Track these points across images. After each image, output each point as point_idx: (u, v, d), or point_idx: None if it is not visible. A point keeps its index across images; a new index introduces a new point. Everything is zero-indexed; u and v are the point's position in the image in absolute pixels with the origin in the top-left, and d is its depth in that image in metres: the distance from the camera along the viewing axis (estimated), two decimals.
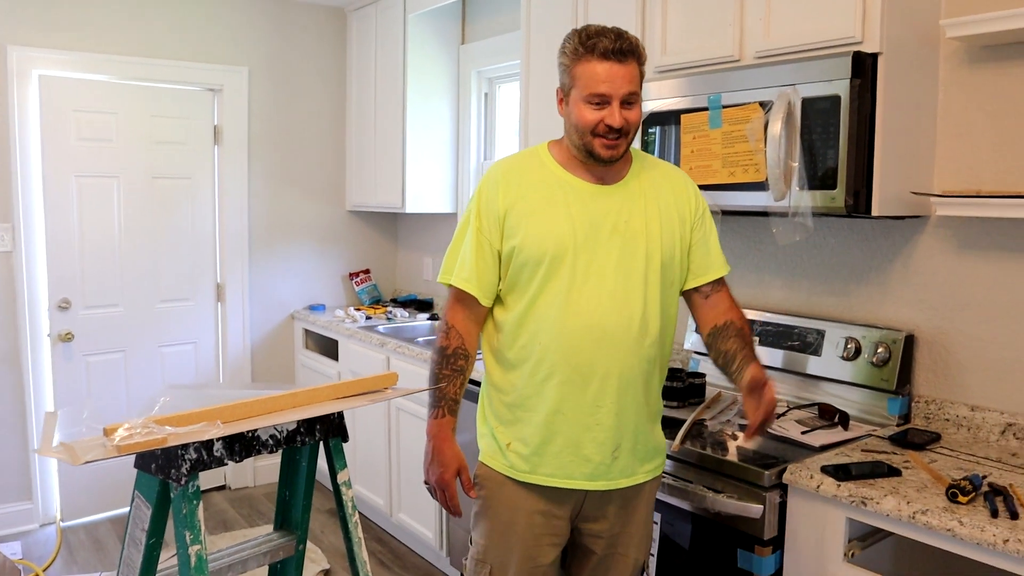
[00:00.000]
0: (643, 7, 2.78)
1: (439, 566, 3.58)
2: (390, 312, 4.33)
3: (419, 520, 3.55)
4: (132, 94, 4.09)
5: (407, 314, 4.35)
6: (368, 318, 4.24)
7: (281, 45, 4.48)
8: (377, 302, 4.75)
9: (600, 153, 1.78)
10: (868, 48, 2.13)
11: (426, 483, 1.93)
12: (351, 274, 4.79)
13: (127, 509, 1.71)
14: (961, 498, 1.77)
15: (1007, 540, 1.62)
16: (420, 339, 3.78)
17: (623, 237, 1.82)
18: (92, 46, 3.94)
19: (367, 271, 4.82)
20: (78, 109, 3.94)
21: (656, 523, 2.23)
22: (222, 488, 4.54)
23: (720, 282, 1.98)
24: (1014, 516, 1.70)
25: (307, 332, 4.56)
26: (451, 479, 1.89)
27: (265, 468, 4.58)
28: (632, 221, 1.84)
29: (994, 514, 1.71)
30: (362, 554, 1.80)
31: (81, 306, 4.02)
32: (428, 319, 4.25)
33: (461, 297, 1.86)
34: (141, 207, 4.16)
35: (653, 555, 2.25)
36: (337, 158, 4.75)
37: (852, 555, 1.93)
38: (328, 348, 4.39)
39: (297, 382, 4.64)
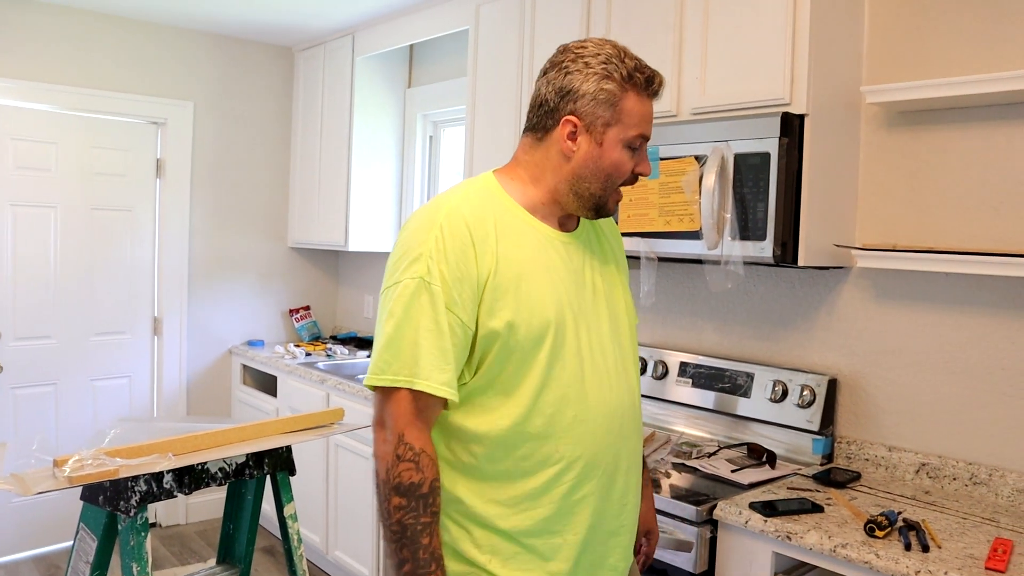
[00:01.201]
0: None
1: None
2: (330, 349, 4.34)
3: (355, 557, 3.55)
4: (73, 124, 4.07)
5: (347, 351, 4.37)
6: (308, 355, 4.25)
7: (228, 81, 4.52)
8: (317, 339, 4.75)
9: (611, 208, 1.49)
10: (796, 109, 2.28)
11: None
12: (291, 310, 4.79)
13: (47, 548, 1.72)
14: (878, 533, 1.89)
15: (919, 571, 1.73)
16: (360, 376, 3.80)
17: (604, 297, 1.53)
18: (33, 75, 3.92)
19: (307, 308, 4.83)
20: (16, 137, 3.90)
21: None
22: (153, 526, 4.45)
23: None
24: (925, 549, 1.82)
25: (245, 367, 4.54)
26: None
27: (197, 505, 4.51)
28: (604, 276, 1.55)
29: (907, 547, 1.83)
30: None
31: (11, 337, 3.94)
32: (367, 357, 4.28)
33: (424, 406, 1.33)
34: (79, 238, 4.11)
35: None
36: (280, 195, 4.77)
37: None
38: (266, 384, 4.37)
39: (233, 417, 4.60)
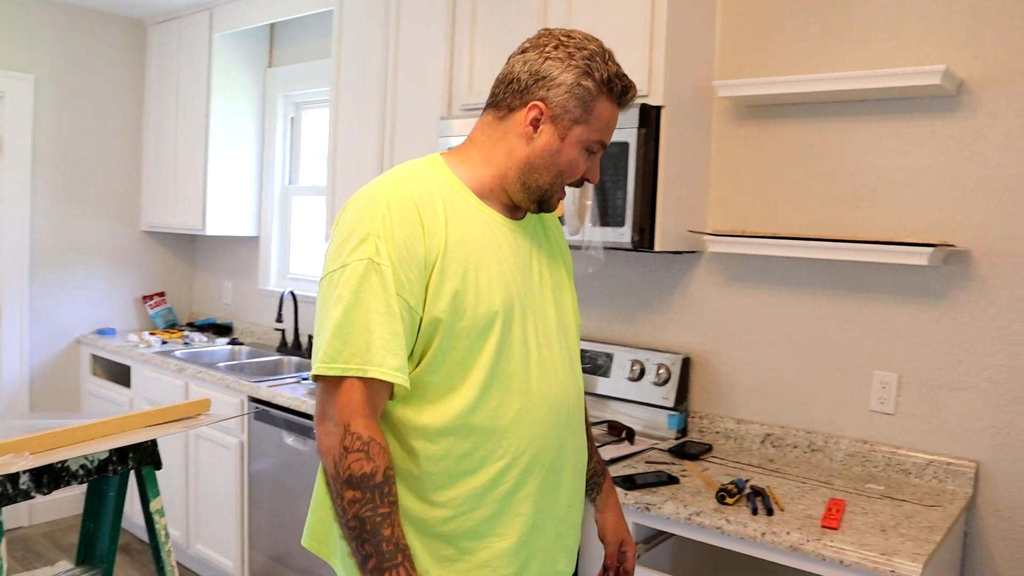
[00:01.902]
0: (451, 46, 2.94)
1: None
2: (187, 337, 4.20)
3: (219, 550, 3.47)
4: None
5: (206, 339, 4.24)
6: (164, 343, 4.09)
7: (73, 54, 4.26)
8: (173, 326, 4.58)
9: (553, 204, 1.44)
10: (653, 101, 2.39)
11: None
12: (144, 297, 4.60)
13: None
14: (728, 500, 2.03)
15: (764, 533, 1.88)
16: (221, 364, 3.70)
17: (551, 289, 1.48)
18: None
19: (162, 294, 4.64)
20: None
21: None
22: None
23: None
24: (770, 512, 1.97)
25: (95, 358, 4.33)
26: None
27: (41, 506, 4.27)
28: (551, 269, 1.49)
29: (754, 512, 1.97)
30: None
31: None
32: (228, 343, 4.17)
33: (372, 394, 1.25)
34: None
35: None
36: (132, 176, 4.56)
37: (639, 556, 2.14)
38: (119, 374, 4.18)
39: (83, 410, 4.38)
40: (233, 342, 4.20)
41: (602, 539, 1.71)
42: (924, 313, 2.31)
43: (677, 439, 2.64)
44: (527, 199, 1.40)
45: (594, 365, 2.81)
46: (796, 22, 2.50)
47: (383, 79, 3.20)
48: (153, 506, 1.76)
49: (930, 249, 2.11)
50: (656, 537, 2.21)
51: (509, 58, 1.40)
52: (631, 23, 2.41)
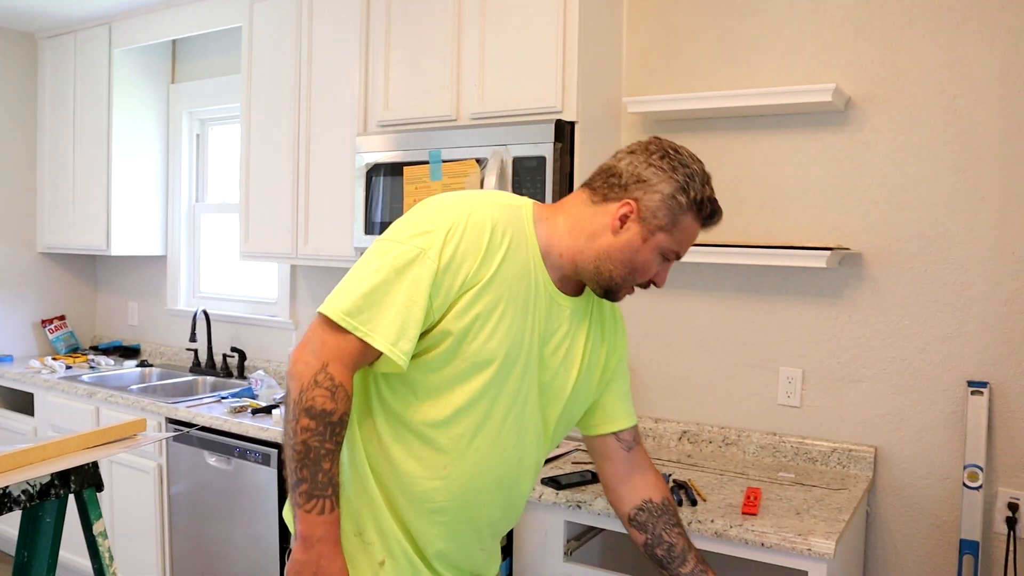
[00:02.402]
0: (366, 64, 2.98)
1: None
2: (92, 360, 4.08)
3: None
4: None
5: (112, 362, 4.12)
6: (68, 367, 3.96)
7: None
8: (75, 350, 4.44)
9: (619, 297, 1.51)
10: (567, 117, 2.49)
11: None
12: (43, 321, 4.43)
13: None
14: None
15: (690, 522, 2.00)
16: (133, 387, 3.62)
17: (562, 365, 1.52)
18: None
19: (62, 317, 4.49)
20: None
21: None
22: None
23: (636, 431, 1.70)
24: (694, 503, 2.09)
25: None
26: None
27: None
28: (575, 347, 1.53)
29: (679, 503, 2.09)
30: None
31: None
32: (137, 366, 4.07)
33: (361, 356, 1.35)
34: None
35: None
36: (26, 195, 4.39)
37: (571, 552, 2.23)
38: (20, 403, 4.02)
39: None
40: (142, 364, 4.10)
41: None
42: (824, 312, 2.49)
43: None
44: (596, 283, 1.47)
45: None
46: (699, 42, 2.66)
47: (296, 96, 3.21)
48: (96, 528, 1.75)
49: (827, 252, 2.29)
50: (586, 533, 2.31)
51: (617, 152, 1.48)
52: (544, 44, 2.51)
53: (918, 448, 2.38)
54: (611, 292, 1.48)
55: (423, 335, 1.37)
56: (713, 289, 2.66)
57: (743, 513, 2.03)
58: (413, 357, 1.38)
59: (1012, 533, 2.26)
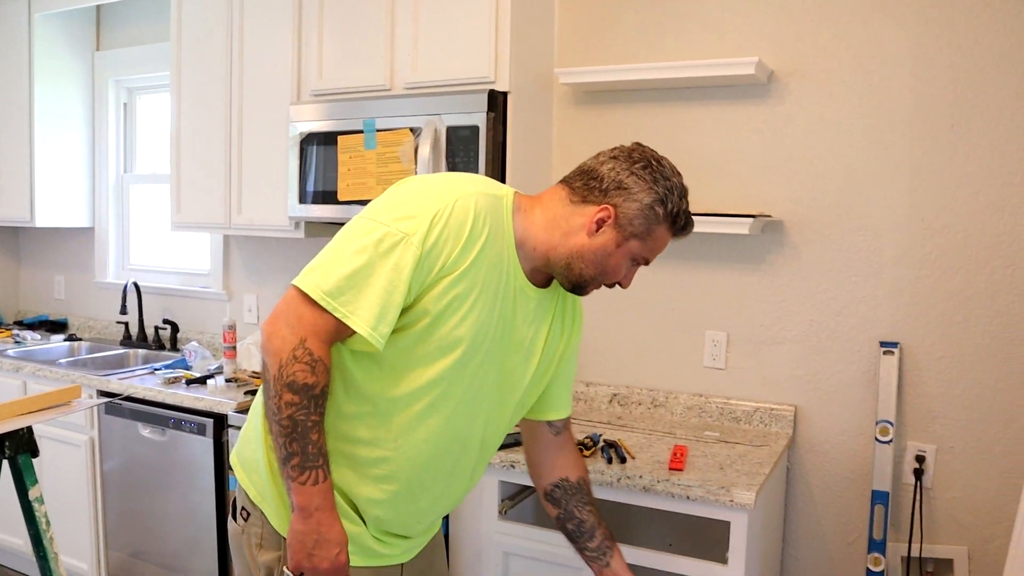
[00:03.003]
0: (299, 33, 2.97)
1: None
2: (17, 335, 3.99)
3: (71, 553, 3.35)
4: None
5: (39, 336, 4.04)
6: None
7: None
8: None
9: (585, 292, 1.56)
10: (500, 87, 2.53)
11: (300, 574, 1.40)
12: None
13: None
14: (585, 452, 2.22)
15: (620, 478, 2.08)
16: (62, 360, 3.56)
17: (522, 353, 1.55)
18: None
19: None
20: None
21: None
22: None
23: (567, 420, 1.78)
24: (623, 460, 2.18)
25: None
26: (347, 561, 1.41)
27: None
28: (536, 338, 1.57)
29: (609, 461, 2.17)
30: (59, 569, 1.77)
31: None
32: (65, 340, 4.00)
33: (338, 333, 1.36)
34: None
35: None
36: None
37: (505, 512, 2.30)
38: None
39: None
40: (71, 338, 4.02)
41: None
42: (747, 277, 2.60)
43: None
44: (565, 279, 1.51)
45: None
46: (629, 15, 2.72)
47: (227, 64, 3.18)
48: (32, 494, 1.75)
49: (750, 220, 2.38)
50: (520, 493, 2.38)
51: (599, 154, 1.52)
52: (477, 14, 2.54)
53: (834, 406, 2.51)
54: (579, 288, 1.52)
55: (400, 314, 1.38)
56: None
57: (670, 469, 2.13)
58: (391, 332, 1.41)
59: (919, 483, 2.41)
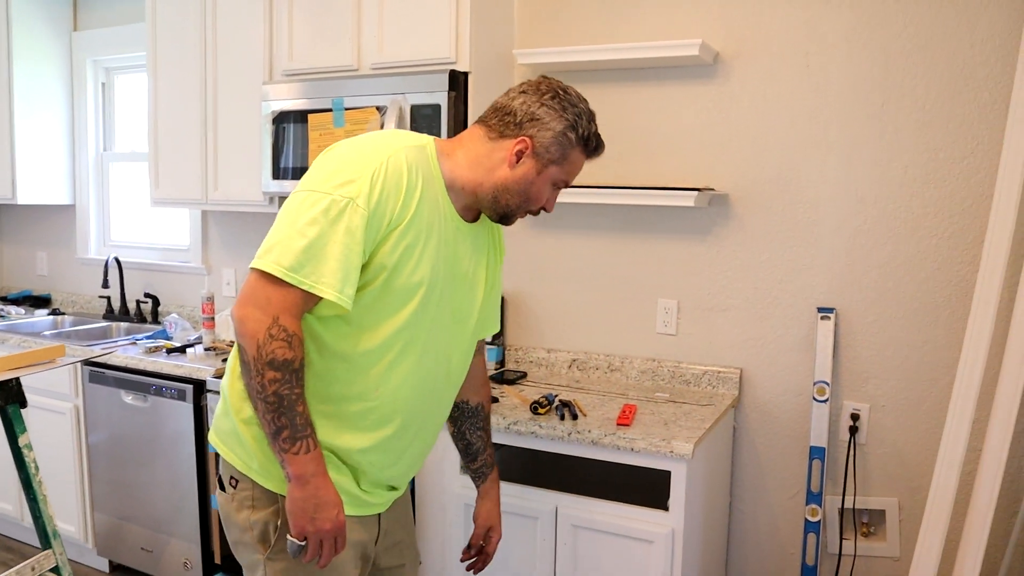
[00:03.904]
0: (271, 15, 3.08)
1: (87, 561, 3.55)
2: (2, 310, 4.10)
3: (60, 518, 3.49)
4: None
5: (23, 311, 4.16)
6: None
7: None
8: None
9: (511, 222, 1.66)
10: (461, 67, 2.67)
11: (302, 540, 1.49)
12: None
13: None
14: (541, 411, 2.38)
15: (570, 433, 2.25)
16: (46, 333, 3.69)
17: (471, 281, 1.70)
18: None
19: None
20: None
21: None
22: None
23: (483, 344, 1.94)
24: (575, 418, 2.34)
25: None
26: (344, 521, 1.52)
27: None
28: (478, 269, 1.71)
29: (562, 418, 2.34)
30: (47, 510, 1.92)
31: None
32: (49, 315, 4.12)
33: (306, 304, 1.44)
34: None
35: None
36: None
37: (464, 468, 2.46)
38: None
39: None
40: (54, 312, 4.14)
41: (475, 520, 1.95)
42: (695, 247, 2.76)
43: (496, 369, 2.98)
44: (493, 211, 1.62)
45: None
46: None
47: (202, 45, 3.29)
48: (22, 441, 1.89)
49: (695, 193, 2.54)
50: None
51: (509, 91, 1.62)
52: None
53: (776, 368, 2.68)
54: (506, 218, 1.64)
55: (360, 273, 1.47)
56: (597, 228, 2.89)
57: (618, 424, 2.29)
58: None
59: (852, 440, 2.58)
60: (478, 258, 1.70)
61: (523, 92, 1.60)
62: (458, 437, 1.93)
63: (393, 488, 1.72)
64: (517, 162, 1.57)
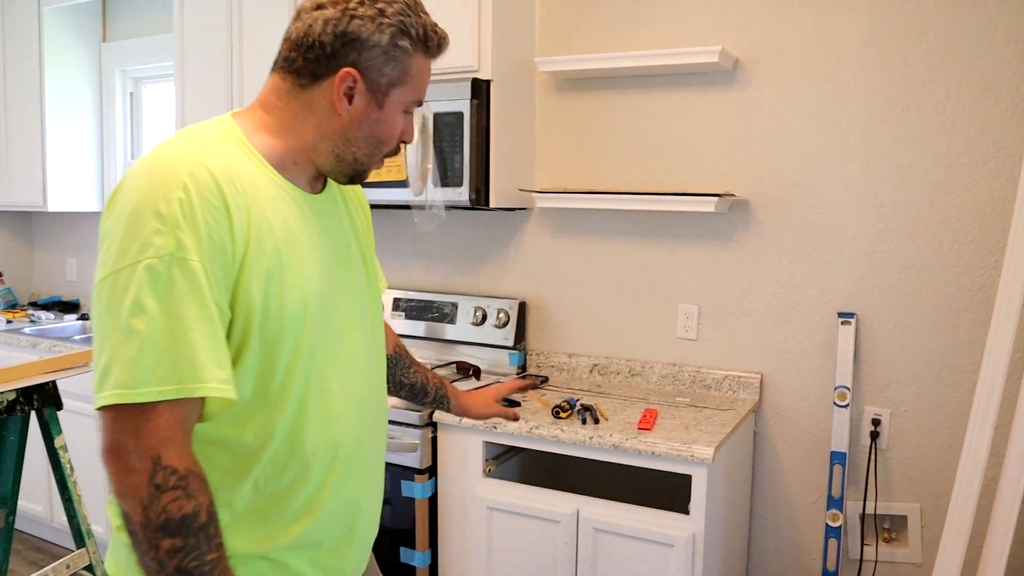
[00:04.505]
0: None
1: None
2: (33, 315, 4.18)
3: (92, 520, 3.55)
4: None
5: (52, 316, 4.23)
6: (9, 322, 4.07)
7: None
8: (14, 307, 4.52)
9: (366, 177, 1.31)
10: (483, 75, 2.70)
11: None
12: None
13: None
14: (563, 415, 2.40)
15: (592, 437, 2.27)
16: (76, 337, 3.76)
17: (359, 264, 1.37)
18: None
19: None
20: None
21: None
22: None
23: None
24: (596, 422, 2.36)
25: None
26: None
27: None
28: (350, 242, 1.36)
29: (584, 422, 2.36)
30: (82, 509, 1.97)
31: None
32: (78, 319, 4.19)
33: (186, 416, 1.05)
34: None
35: None
36: None
37: (489, 471, 2.48)
38: None
39: None
40: (83, 317, 4.22)
41: (489, 418, 1.86)
42: (716, 253, 2.77)
43: (518, 373, 3.01)
44: (340, 173, 1.27)
45: (441, 314, 3.13)
46: (605, 5, 2.88)
47: (228, 54, 3.35)
48: (57, 443, 1.94)
49: (715, 198, 2.55)
50: (505, 454, 2.57)
51: (300, 12, 1.22)
52: (461, 7, 2.71)
53: (796, 373, 2.68)
54: (358, 176, 1.28)
55: (244, 331, 1.12)
56: (618, 233, 2.92)
57: (639, 428, 2.31)
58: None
59: (874, 445, 2.58)
60: (343, 229, 1.35)
61: (318, 7, 1.19)
62: (399, 388, 1.70)
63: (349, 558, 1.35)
64: (349, 103, 1.20)
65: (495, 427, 2.40)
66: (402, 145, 1.34)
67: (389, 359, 1.66)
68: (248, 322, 1.11)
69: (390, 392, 1.64)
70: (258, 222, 1.12)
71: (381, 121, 1.23)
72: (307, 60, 1.19)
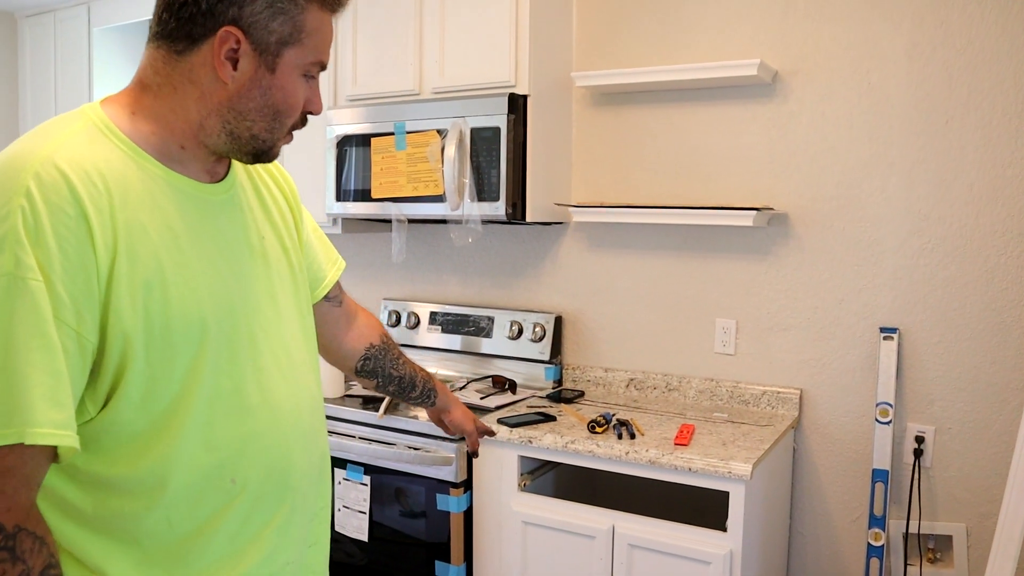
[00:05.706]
0: (335, 44, 3.17)
1: None
2: None
3: None
4: None
5: None
6: None
7: None
8: None
9: (276, 153, 1.13)
10: (520, 91, 2.71)
11: None
12: None
13: None
14: (598, 429, 2.39)
15: (628, 452, 2.25)
16: None
17: (276, 261, 1.20)
18: None
19: None
20: None
21: (366, 484, 2.63)
22: None
23: (340, 287, 1.49)
24: (632, 437, 2.34)
25: None
26: None
27: None
28: (262, 231, 1.19)
29: (620, 437, 2.34)
30: None
31: None
32: None
33: (21, 463, 0.89)
34: None
35: (365, 512, 2.64)
36: None
37: (524, 485, 2.47)
38: None
39: None
40: None
41: (461, 431, 1.80)
42: (754, 267, 2.74)
43: (554, 388, 3.00)
44: (238, 152, 1.09)
45: (477, 328, 3.13)
46: (642, 20, 2.88)
47: None
48: None
49: (754, 212, 2.53)
50: (540, 468, 2.56)
51: None
52: (499, 23, 2.72)
53: (837, 389, 2.64)
54: (262, 153, 1.10)
55: (98, 366, 0.97)
56: (655, 248, 2.90)
57: (676, 444, 2.28)
58: (105, 402, 0.99)
59: (917, 462, 2.53)
60: (254, 215, 1.18)
61: None
62: (387, 383, 1.60)
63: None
64: (234, 68, 1.03)
65: (530, 441, 2.39)
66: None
67: (375, 349, 1.57)
68: (127, 345, 0.96)
69: (379, 388, 1.61)
70: (128, 226, 0.97)
71: (275, 87, 1.05)
72: (180, 20, 1.01)
